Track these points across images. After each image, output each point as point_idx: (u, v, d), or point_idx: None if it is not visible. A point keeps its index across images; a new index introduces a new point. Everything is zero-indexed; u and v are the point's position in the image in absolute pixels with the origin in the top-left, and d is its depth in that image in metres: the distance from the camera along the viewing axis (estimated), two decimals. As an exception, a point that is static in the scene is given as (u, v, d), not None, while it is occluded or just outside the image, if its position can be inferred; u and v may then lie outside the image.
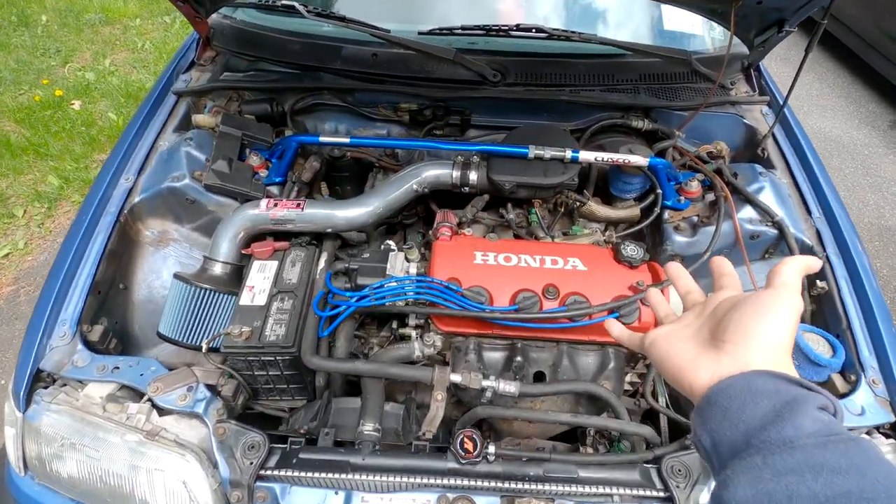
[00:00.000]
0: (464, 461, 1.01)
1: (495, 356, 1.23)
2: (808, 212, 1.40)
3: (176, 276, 1.26)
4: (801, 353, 1.17)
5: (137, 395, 1.09)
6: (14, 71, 3.92)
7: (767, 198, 1.38)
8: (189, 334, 1.25)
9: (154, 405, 1.05)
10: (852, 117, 4.14)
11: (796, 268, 0.59)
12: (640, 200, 1.49)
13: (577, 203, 1.43)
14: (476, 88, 1.56)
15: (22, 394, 1.07)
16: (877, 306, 1.18)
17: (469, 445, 1.00)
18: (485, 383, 1.10)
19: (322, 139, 1.42)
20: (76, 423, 1.04)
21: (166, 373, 1.09)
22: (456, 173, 1.37)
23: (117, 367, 1.10)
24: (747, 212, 1.36)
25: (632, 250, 1.24)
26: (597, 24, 1.72)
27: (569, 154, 1.34)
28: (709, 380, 0.54)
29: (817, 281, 1.27)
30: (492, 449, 1.02)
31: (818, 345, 1.18)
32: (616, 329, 0.81)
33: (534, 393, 1.12)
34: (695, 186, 1.43)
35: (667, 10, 1.70)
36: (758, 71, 1.76)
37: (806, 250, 1.32)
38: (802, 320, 1.29)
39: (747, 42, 1.60)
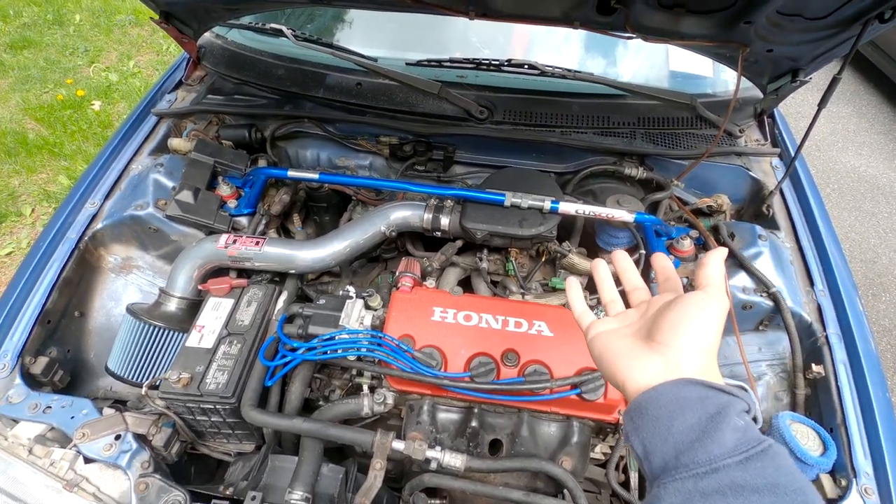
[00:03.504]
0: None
1: (450, 418, 1.15)
2: (811, 283, 1.27)
3: (128, 309, 1.22)
4: (786, 447, 1.04)
5: (67, 437, 1.05)
6: (42, 69, 4.03)
7: (766, 264, 1.26)
8: (137, 371, 1.21)
9: (79, 452, 1.01)
10: (892, 157, 3.89)
11: (718, 266, 0.63)
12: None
13: (558, 254, 1.34)
14: (461, 125, 1.49)
15: (-48, 428, 1.04)
16: (878, 402, 1.05)
17: (399, 530, 0.92)
18: (429, 454, 1.03)
19: (290, 174, 1.36)
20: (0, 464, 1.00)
21: (97, 417, 1.05)
22: (427, 216, 1.30)
23: (49, 407, 1.06)
24: (741, 279, 1.24)
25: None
26: (595, 62, 1.62)
27: (548, 204, 1.25)
28: (640, 382, 0.57)
29: (813, 364, 1.15)
30: (426, 533, 0.94)
31: (807, 439, 1.06)
32: (574, 293, 0.76)
33: (482, 469, 1.04)
34: (687, 245, 1.31)
35: (674, 49, 1.59)
36: (772, 118, 1.63)
37: (804, 328, 1.20)
38: (795, 408, 1.16)
39: (760, 87, 1.48)
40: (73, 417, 1.04)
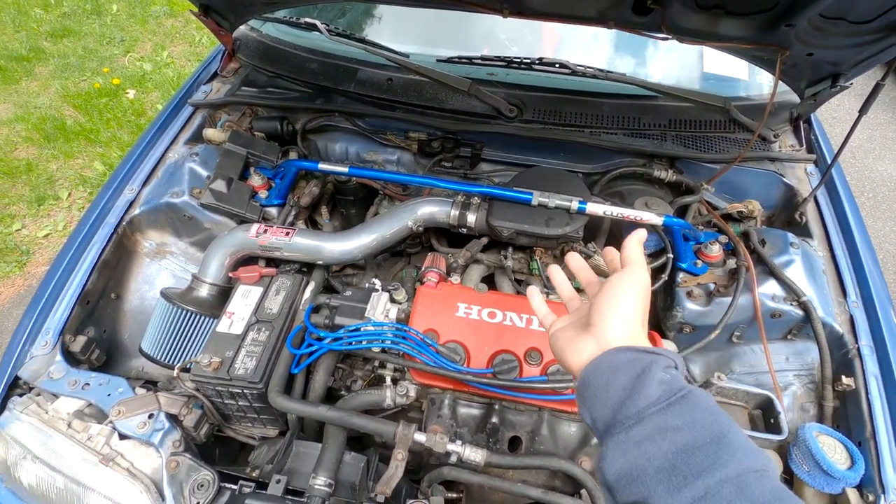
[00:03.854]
0: (411, 537, 0.94)
1: (471, 414, 1.16)
2: (844, 293, 1.24)
3: (162, 293, 1.26)
4: (812, 460, 1.03)
5: (103, 414, 1.09)
6: (80, 58, 4.16)
7: (797, 272, 1.24)
8: (169, 353, 1.25)
9: (115, 428, 1.05)
10: (933, 166, 3.76)
11: (636, 246, 0.70)
12: (653, 258, 1.37)
13: (583, 255, 1.33)
14: (490, 123, 1.49)
15: (-3, 399, 1.09)
16: (910, 417, 1.02)
17: (419, 520, 0.94)
18: (450, 447, 1.04)
19: (321, 166, 1.38)
20: (41, 436, 1.05)
21: (132, 396, 1.09)
22: (454, 213, 1.31)
23: (87, 384, 1.10)
24: (771, 286, 1.22)
25: (630, 319, 1.13)
26: (625, 62, 1.61)
27: (575, 205, 1.25)
28: (582, 360, 0.64)
29: (843, 376, 1.12)
30: (445, 525, 0.96)
31: (834, 451, 1.04)
32: (535, 299, 0.83)
33: (501, 464, 1.05)
34: (715, 250, 1.30)
35: (708, 51, 1.57)
36: (808, 123, 1.59)
37: (834, 339, 1.17)
38: (822, 420, 1.14)
39: (797, 91, 1.44)
40: (109, 395, 1.09)
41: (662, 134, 1.49)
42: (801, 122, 1.57)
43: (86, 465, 1.01)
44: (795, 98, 1.50)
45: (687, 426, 0.53)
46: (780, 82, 1.33)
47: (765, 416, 1.19)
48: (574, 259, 0.82)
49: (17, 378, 1.12)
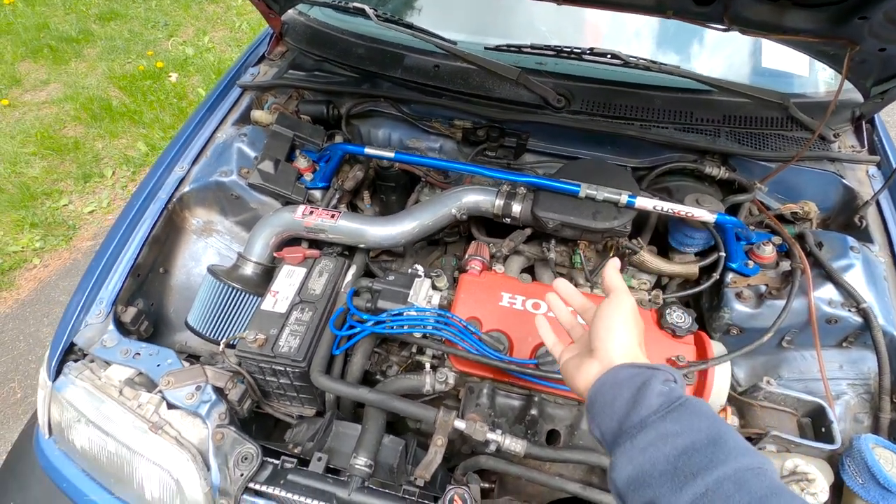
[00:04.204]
0: (449, 522, 0.94)
1: (510, 404, 1.16)
2: (906, 301, 1.18)
3: (209, 269, 1.29)
4: (867, 472, 0.99)
5: (152, 383, 1.12)
6: (126, 41, 4.27)
7: (857, 277, 1.19)
8: (214, 328, 1.28)
9: (164, 398, 1.08)
10: None
11: (614, 273, 0.79)
12: (701, 257, 1.33)
13: (628, 250, 1.31)
14: (537, 113, 1.47)
15: (54, 363, 1.14)
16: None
17: (458, 505, 0.94)
18: (490, 436, 1.03)
19: (367, 151, 1.39)
20: (94, 401, 1.09)
21: (180, 367, 1.12)
22: (499, 202, 1.29)
23: (138, 354, 1.14)
24: (828, 291, 1.17)
25: (678, 317, 1.11)
26: (681, 55, 1.56)
27: (624, 198, 1.22)
28: (589, 381, 0.70)
29: (903, 388, 1.08)
30: (483, 512, 0.95)
31: (892, 465, 1.00)
32: (543, 329, 0.88)
33: (541, 456, 1.04)
34: (768, 251, 1.25)
35: (768, 45, 1.51)
36: (871, 123, 1.52)
37: (895, 349, 1.12)
38: (878, 431, 1.10)
39: (863, 90, 1.38)
40: (158, 365, 1.12)
41: (716, 130, 1.44)
42: (864, 123, 1.50)
43: (135, 432, 1.05)
44: (859, 97, 1.43)
45: (685, 431, 0.57)
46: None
47: (814, 424, 1.15)
48: (563, 285, 0.87)
49: (72, 344, 1.16)
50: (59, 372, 1.14)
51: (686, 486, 0.53)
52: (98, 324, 1.18)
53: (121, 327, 1.20)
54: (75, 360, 1.16)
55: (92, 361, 1.15)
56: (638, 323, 0.75)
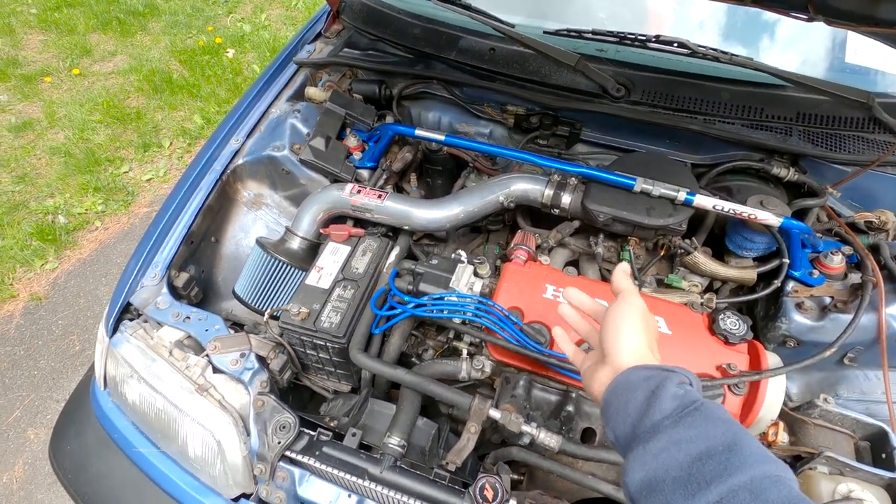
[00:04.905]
0: (479, 509, 0.94)
1: (546, 398, 1.14)
2: None
3: (258, 241, 1.32)
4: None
5: (200, 346, 1.16)
6: (188, 16, 4.41)
7: (936, 296, 1.09)
8: (259, 299, 1.31)
9: (210, 361, 1.12)
10: None
11: (622, 276, 0.81)
12: (760, 262, 1.26)
13: (681, 250, 1.25)
14: (594, 101, 1.41)
15: (112, 321, 1.20)
16: None
17: (489, 494, 0.93)
18: (524, 428, 1.02)
19: (418, 132, 1.38)
20: (145, 359, 1.14)
21: (226, 334, 1.15)
22: (548, 192, 1.26)
23: (188, 317, 1.18)
24: (901, 308, 1.09)
25: (732, 323, 1.05)
26: (755, 46, 1.46)
27: (682, 196, 1.17)
28: (603, 385, 0.70)
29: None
30: (513, 503, 0.94)
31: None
32: (562, 341, 0.89)
33: (576, 454, 1.02)
34: (837, 261, 1.17)
35: (854, 38, 1.39)
36: (965, 129, 1.38)
37: (975, 376, 1.03)
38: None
39: (960, 92, 1.26)
40: (206, 330, 1.16)
41: (787, 128, 1.35)
42: (958, 128, 1.36)
43: (182, 392, 1.09)
44: (954, 99, 1.30)
45: (700, 436, 0.56)
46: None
47: (874, 449, 1.07)
48: (573, 294, 0.87)
49: (129, 304, 1.22)
50: (115, 329, 1.20)
51: (699, 494, 0.52)
52: (153, 286, 1.23)
53: (173, 291, 1.25)
54: (130, 319, 1.21)
55: (146, 322, 1.21)
56: (649, 324, 0.74)
